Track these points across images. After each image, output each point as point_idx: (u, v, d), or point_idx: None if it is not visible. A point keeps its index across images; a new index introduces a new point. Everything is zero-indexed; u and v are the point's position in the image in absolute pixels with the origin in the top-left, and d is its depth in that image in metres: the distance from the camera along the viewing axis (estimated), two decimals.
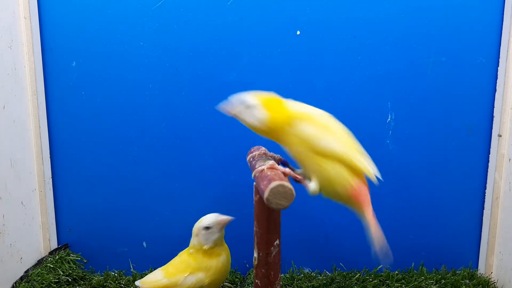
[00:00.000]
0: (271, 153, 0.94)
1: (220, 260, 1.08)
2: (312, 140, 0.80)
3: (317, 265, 1.34)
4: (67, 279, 1.23)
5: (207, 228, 1.05)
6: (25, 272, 1.20)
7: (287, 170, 0.82)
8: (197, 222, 1.07)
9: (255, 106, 0.82)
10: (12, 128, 1.17)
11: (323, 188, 0.83)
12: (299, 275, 1.30)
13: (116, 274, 1.30)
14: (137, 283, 1.12)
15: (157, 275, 1.11)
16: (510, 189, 1.19)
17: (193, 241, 1.07)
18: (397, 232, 1.31)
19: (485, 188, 1.27)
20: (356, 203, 0.86)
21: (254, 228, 0.82)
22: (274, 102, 0.83)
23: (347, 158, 0.81)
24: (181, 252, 1.13)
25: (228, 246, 1.33)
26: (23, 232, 1.22)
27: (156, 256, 1.33)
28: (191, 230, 1.31)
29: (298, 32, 1.22)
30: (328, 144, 0.80)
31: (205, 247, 1.06)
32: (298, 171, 0.86)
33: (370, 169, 0.85)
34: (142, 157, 1.29)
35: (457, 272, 1.29)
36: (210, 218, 1.06)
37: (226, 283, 1.23)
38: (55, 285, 1.18)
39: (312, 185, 0.82)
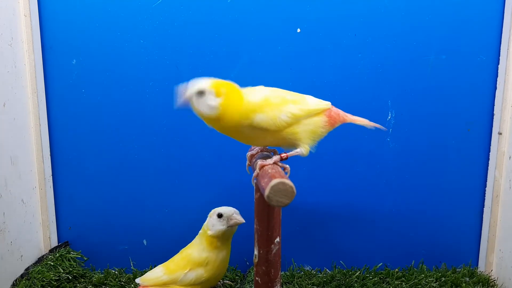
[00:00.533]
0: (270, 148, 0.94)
1: (220, 254, 1.09)
2: (274, 124, 0.81)
3: (317, 263, 1.34)
4: (68, 277, 1.23)
5: (219, 215, 1.07)
6: (26, 269, 1.20)
7: (279, 156, 0.83)
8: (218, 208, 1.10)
9: (208, 92, 0.78)
10: (12, 126, 1.17)
11: (311, 143, 0.86)
12: (299, 272, 1.30)
13: (116, 272, 1.31)
14: (137, 280, 1.13)
15: (157, 272, 1.11)
16: (510, 187, 1.19)
17: (206, 222, 1.09)
18: (397, 230, 1.31)
19: (485, 186, 1.27)
20: (336, 124, 0.90)
21: (255, 226, 0.83)
22: (230, 90, 0.80)
23: (308, 110, 0.85)
24: (182, 249, 1.13)
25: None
26: (23, 230, 1.22)
27: (156, 253, 1.33)
28: (192, 227, 1.32)
29: (299, 30, 1.22)
30: (286, 116, 0.82)
31: (209, 232, 1.07)
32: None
33: (323, 104, 0.88)
34: (142, 154, 1.29)
35: (457, 270, 1.29)
36: (227, 209, 1.08)
37: (227, 281, 1.23)
38: (55, 283, 1.18)
39: (302, 151, 0.85)
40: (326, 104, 0.88)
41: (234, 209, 1.09)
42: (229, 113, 0.79)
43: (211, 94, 0.79)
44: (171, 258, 1.14)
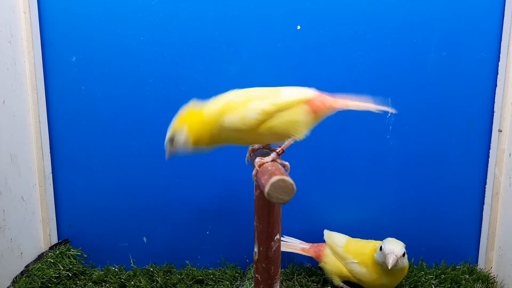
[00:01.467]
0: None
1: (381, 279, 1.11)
2: (244, 123, 0.81)
3: (317, 261, 1.34)
4: (68, 274, 1.23)
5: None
6: (26, 267, 1.21)
7: (275, 153, 0.83)
8: None
9: (174, 136, 0.86)
10: (12, 123, 1.17)
11: (301, 131, 0.84)
12: (299, 270, 1.30)
13: (116, 269, 1.31)
14: (325, 232, 1.25)
15: (341, 240, 1.20)
16: (510, 184, 1.19)
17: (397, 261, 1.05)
18: (397, 227, 1.31)
19: (485, 183, 1.27)
20: (324, 112, 0.86)
21: (255, 223, 0.83)
22: (189, 117, 0.85)
23: (279, 104, 0.82)
24: (370, 240, 1.18)
25: (229, 241, 1.34)
26: (23, 227, 1.22)
27: (156, 251, 1.34)
28: (191, 225, 1.32)
29: (299, 27, 1.22)
30: (255, 113, 0.81)
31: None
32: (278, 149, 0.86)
33: (301, 94, 0.84)
34: (142, 152, 1.29)
35: (457, 267, 1.30)
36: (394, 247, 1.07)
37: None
38: (55, 280, 1.19)
39: (294, 138, 0.83)
40: (305, 94, 0.84)
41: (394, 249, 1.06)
42: (199, 133, 0.84)
43: (178, 134, 0.85)
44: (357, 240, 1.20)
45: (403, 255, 1.04)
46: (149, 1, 1.21)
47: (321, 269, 1.23)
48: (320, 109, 0.85)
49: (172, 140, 0.86)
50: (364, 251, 1.13)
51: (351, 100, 0.88)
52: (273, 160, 0.81)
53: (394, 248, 1.04)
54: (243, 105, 0.82)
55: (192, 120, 0.85)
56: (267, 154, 0.85)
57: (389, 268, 1.02)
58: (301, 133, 0.83)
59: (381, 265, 1.07)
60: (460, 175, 1.28)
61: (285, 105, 0.82)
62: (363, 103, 0.88)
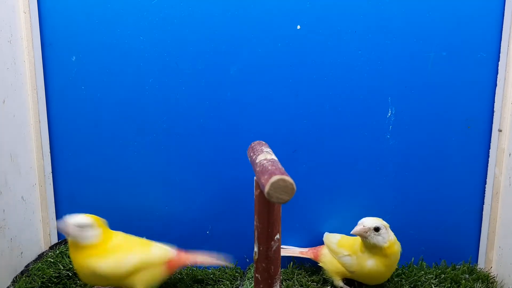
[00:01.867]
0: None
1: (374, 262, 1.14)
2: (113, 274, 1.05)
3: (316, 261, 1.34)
4: (68, 274, 1.23)
5: (376, 229, 1.10)
6: (26, 266, 1.21)
7: None
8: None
9: (88, 225, 1.03)
10: (12, 123, 1.17)
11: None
12: (299, 269, 1.30)
13: None
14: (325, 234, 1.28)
15: (335, 237, 1.23)
16: (510, 184, 1.20)
17: (380, 240, 1.10)
18: (397, 227, 1.30)
19: (485, 183, 1.27)
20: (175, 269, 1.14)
21: (255, 223, 0.83)
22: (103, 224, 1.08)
23: (147, 261, 1.08)
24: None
25: (229, 241, 1.34)
26: (23, 227, 1.22)
27: None
28: (192, 225, 1.31)
29: (299, 27, 1.22)
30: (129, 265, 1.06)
31: (386, 245, 1.10)
32: None
33: (163, 252, 1.11)
34: (142, 152, 1.29)
35: (457, 267, 1.30)
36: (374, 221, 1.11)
37: None
38: (55, 280, 1.19)
39: None
40: (169, 253, 1.12)
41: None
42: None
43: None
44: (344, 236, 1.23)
45: (376, 230, 1.07)
46: (149, 1, 1.21)
47: (320, 268, 1.23)
48: (175, 267, 1.09)
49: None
50: (354, 243, 1.16)
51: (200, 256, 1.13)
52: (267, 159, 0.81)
53: (365, 220, 1.09)
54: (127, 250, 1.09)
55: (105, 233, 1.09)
56: (268, 153, 0.86)
57: (350, 232, 1.07)
58: None
59: (368, 250, 1.10)
60: (460, 175, 1.28)
61: (152, 262, 1.06)
62: (210, 258, 1.14)
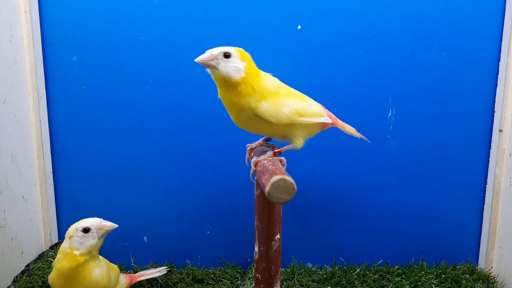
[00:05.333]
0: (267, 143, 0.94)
1: (91, 277, 0.93)
2: (276, 117, 0.82)
3: (318, 260, 1.34)
4: None
5: (85, 230, 0.93)
6: (26, 266, 1.21)
7: (272, 152, 0.84)
8: (75, 223, 0.96)
9: (235, 55, 0.80)
10: (13, 122, 1.17)
11: (305, 138, 0.88)
12: (299, 269, 1.30)
13: None
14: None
15: None
16: (511, 184, 1.19)
17: (64, 244, 0.94)
18: (398, 227, 1.31)
19: (485, 183, 1.27)
20: (329, 126, 0.93)
21: (255, 223, 0.83)
22: (251, 61, 0.82)
23: (311, 112, 0.87)
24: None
25: (229, 240, 1.34)
26: (24, 227, 1.22)
27: (156, 250, 1.34)
28: (192, 225, 1.31)
29: (299, 27, 1.22)
30: (289, 112, 0.83)
31: (76, 252, 0.92)
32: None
33: (323, 117, 0.89)
34: (142, 151, 1.29)
35: (457, 267, 1.30)
36: (91, 221, 0.95)
37: None
38: None
39: (295, 145, 0.86)
40: (325, 114, 0.90)
41: (97, 218, 0.97)
42: (249, 82, 0.80)
43: (237, 58, 0.80)
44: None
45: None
46: (149, 1, 1.21)
47: (321, 268, 1.23)
48: (327, 126, 0.91)
49: (228, 56, 0.79)
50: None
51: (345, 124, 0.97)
52: (269, 157, 0.81)
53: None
54: (283, 98, 0.84)
55: (252, 67, 0.82)
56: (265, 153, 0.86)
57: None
58: (301, 144, 0.88)
59: (96, 248, 0.95)
60: (461, 175, 1.28)
61: (314, 114, 0.87)
62: (353, 129, 0.98)
